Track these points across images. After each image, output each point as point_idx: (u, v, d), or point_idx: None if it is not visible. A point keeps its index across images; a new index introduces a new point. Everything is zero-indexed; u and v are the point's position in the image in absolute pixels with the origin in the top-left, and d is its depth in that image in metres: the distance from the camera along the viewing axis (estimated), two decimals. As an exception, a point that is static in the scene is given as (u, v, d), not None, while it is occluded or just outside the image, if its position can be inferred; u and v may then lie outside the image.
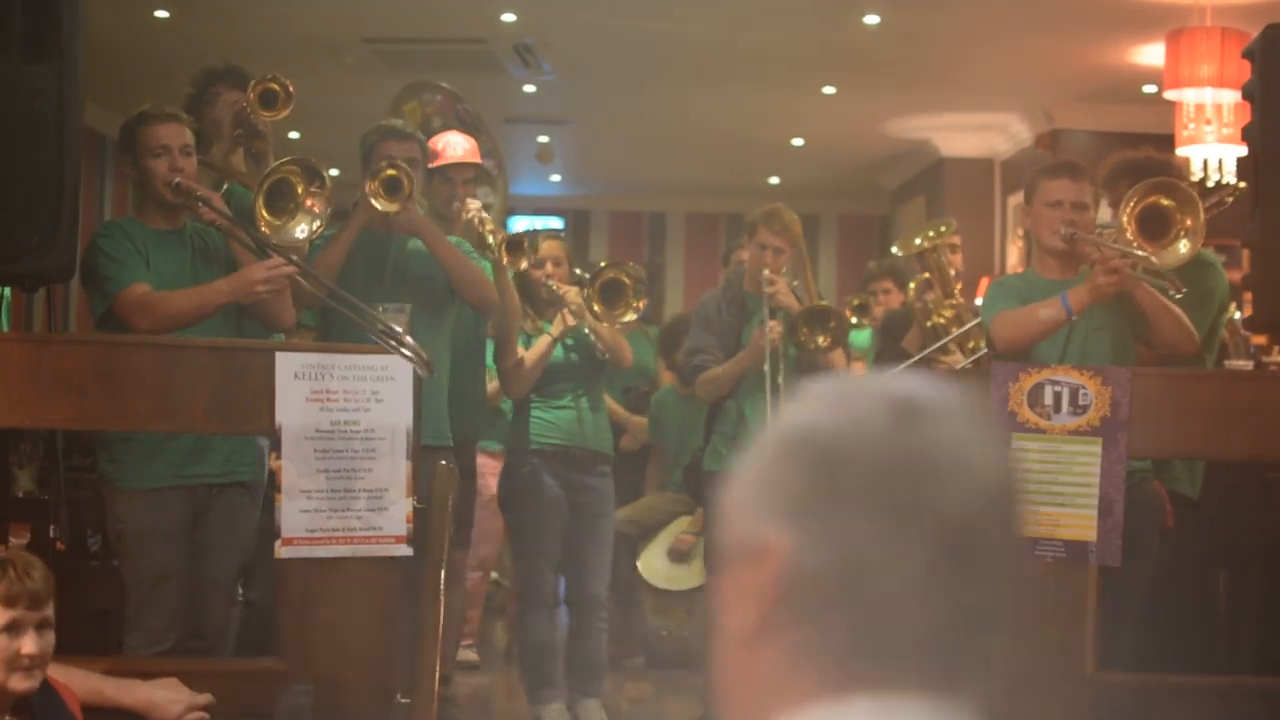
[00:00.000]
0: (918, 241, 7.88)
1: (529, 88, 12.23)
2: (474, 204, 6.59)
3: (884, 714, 1.35)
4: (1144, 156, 5.92)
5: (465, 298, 6.10)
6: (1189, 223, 5.31)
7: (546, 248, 7.09)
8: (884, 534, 1.35)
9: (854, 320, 9.31)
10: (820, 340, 7.09)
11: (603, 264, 6.97)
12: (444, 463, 5.67)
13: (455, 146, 6.53)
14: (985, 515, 1.38)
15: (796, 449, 1.40)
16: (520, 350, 6.94)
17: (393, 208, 5.80)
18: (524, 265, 6.65)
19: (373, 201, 5.82)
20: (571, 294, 6.82)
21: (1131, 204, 5.34)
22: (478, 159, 6.70)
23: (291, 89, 5.90)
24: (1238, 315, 6.24)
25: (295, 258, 5.23)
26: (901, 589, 1.36)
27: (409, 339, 4.90)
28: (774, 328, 6.97)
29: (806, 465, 1.39)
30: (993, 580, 1.40)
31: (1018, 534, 1.41)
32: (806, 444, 1.40)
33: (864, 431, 1.38)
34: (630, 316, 6.78)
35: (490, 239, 6.57)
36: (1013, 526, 1.40)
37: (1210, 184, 8.65)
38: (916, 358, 6.97)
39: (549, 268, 7.02)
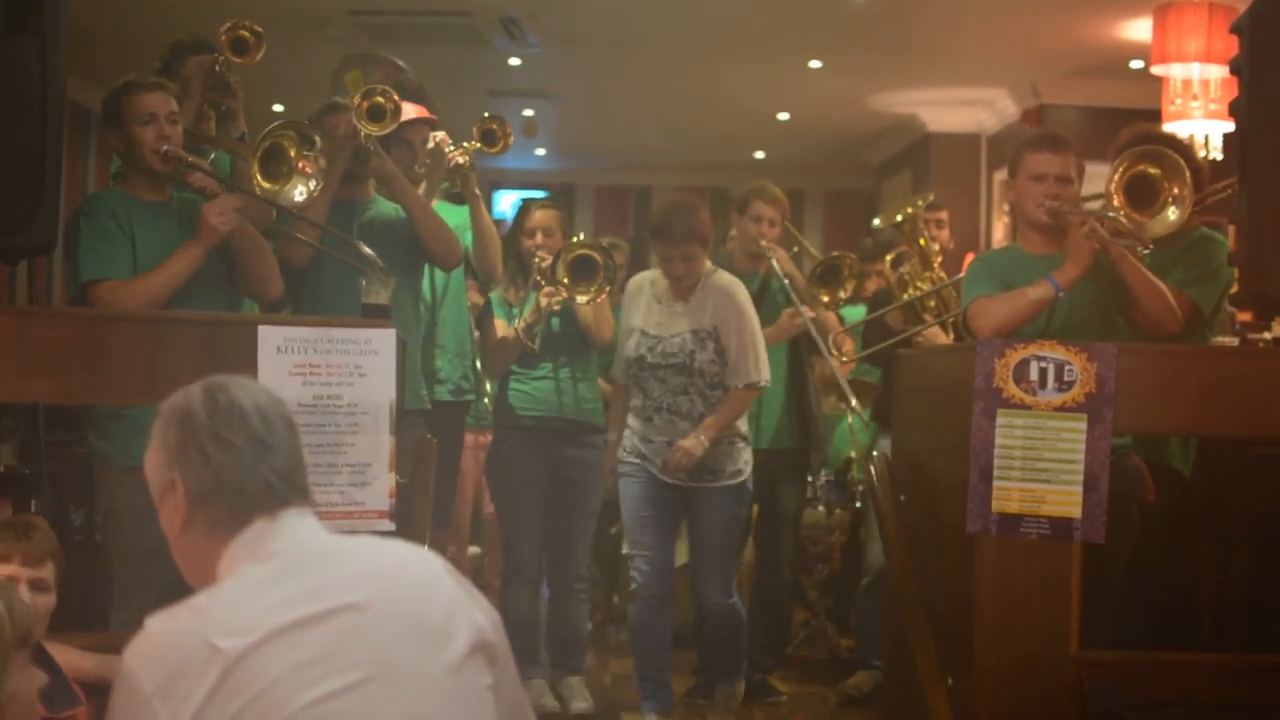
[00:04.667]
0: (899, 218, 7.87)
1: (514, 61, 12.20)
2: (437, 134, 6.59)
3: (288, 516, 2.55)
4: (1160, 131, 5.91)
5: (431, 248, 6.14)
6: (1177, 191, 5.31)
7: (537, 217, 7.01)
8: (228, 448, 2.54)
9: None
10: (841, 295, 7.21)
11: (575, 239, 6.89)
12: (429, 436, 5.67)
13: (405, 110, 6.52)
14: (267, 421, 2.58)
15: (170, 421, 2.57)
16: (502, 324, 6.91)
17: (378, 129, 5.96)
18: (507, 144, 6.83)
19: (359, 125, 5.94)
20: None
21: (1119, 173, 5.34)
22: (429, 114, 6.70)
23: (261, 32, 5.90)
24: (1227, 291, 6.22)
25: (246, 188, 5.34)
26: (251, 463, 2.55)
27: (372, 254, 5.19)
28: (805, 311, 7.01)
29: (173, 432, 2.56)
30: (289, 447, 2.61)
31: (280, 419, 2.62)
32: (170, 422, 2.57)
33: (193, 403, 2.57)
34: (584, 299, 6.68)
35: (462, 159, 6.62)
36: (275, 419, 2.60)
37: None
38: (901, 337, 6.94)
39: (539, 238, 6.93)
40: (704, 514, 6.43)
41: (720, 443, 6.34)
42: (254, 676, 2.33)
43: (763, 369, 6.44)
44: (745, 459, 6.47)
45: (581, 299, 6.65)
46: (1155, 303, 5.14)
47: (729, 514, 6.45)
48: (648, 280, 6.59)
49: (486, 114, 6.86)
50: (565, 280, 6.60)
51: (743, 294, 6.50)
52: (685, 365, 6.36)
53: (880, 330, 7.39)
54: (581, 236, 7.09)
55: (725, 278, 6.51)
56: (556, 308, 6.69)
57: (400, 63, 7.14)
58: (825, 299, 7.19)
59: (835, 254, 7.40)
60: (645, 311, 6.50)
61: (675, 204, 6.51)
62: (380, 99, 5.96)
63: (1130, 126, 5.94)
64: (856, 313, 8.33)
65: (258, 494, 2.56)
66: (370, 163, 6.02)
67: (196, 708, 2.31)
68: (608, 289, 6.71)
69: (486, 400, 7.54)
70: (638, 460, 6.46)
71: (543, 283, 6.70)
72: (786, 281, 7.12)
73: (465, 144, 6.72)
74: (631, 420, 6.50)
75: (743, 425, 6.49)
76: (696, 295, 6.42)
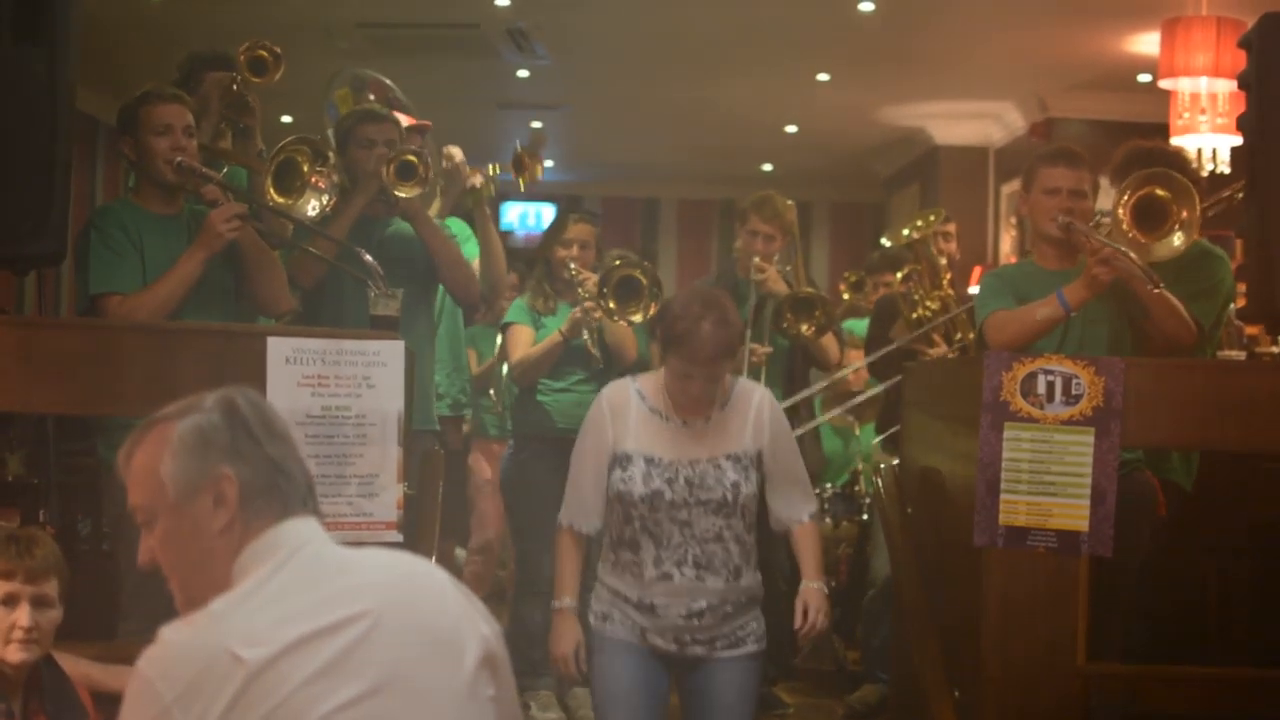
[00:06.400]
0: (906, 232, 7.89)
1: (523, 73, 12.21)
2: (456, 152, 6.59)
3: (298, 524, 2.52)
4: (1157, 146, 5.91)
5: (449, 283, 6.15)
6: (1185, 215, 5.28)
7: (576, 230, 7.08)
8: (267, 446, 2.52)
9: (846, 296, 9.30)
10: (803, 328, 7.08)
11: (618, 260, 6.88)
12: (436, 448, 5.68)
13: (400, 119, 6.53)
14: (286, 439, 2.58)
15: (208, 422, 2.52)
16: (528, 330, 6.93)
17: (413, 192, 5.91)
18: (533, 176, 6.76)
19: (395, 191, 5.90)
20: (591, 282, 6.76)
21: (1127, 195, 5.33)
22: (425, 122, 6.72)
23: (280, 53, 5.92)
24: (1231, 306, 6.23)
25: (260, 202, 5.41)
26: (285, 465, 2.54)
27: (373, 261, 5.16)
28: (755, 350, 6.95)
29: (223, 428, 2.52)
30: (295, 453, 2.59)
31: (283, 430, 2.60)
32: (220, 413, 2.53)
33: (232, 406, 2.55)
34: (639, 318, 6.67)
35: (478, 182, 6.63)
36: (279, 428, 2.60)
37: (1204, 173, 8.65)
38: (894, 345, 6.96)
39: (575, 250, 6.98)
40: (723, 688, 4.80)
41: (741, 601, 4.80)
42: (273, 687, 2.31)
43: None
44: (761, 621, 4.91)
45: (636, 319, 6.66)
46: (1168, 317, 5.12)
47: (752, 688, 4.87)
48: (632, 389, 4.87)
49: (520, 146, 6.85)
50: (613, 304, 6.62)
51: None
52: (726, 503, 4.71)
53: (883, 345, 7.41)
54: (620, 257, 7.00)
55: (758, 387, 4.99)
56: (580, 317, 6.70)
57: (388, 81, 7.16)
58: (785, 323, 7.10)
59: (815, 293, 7.30)
60: (638, 430, 4.81)
61: (702, 305, 4.64)
62: (411, 158, 5.91)
63: (1125, 143, 5.94)
64: (861, 325, 8.33)
65: (302, 487, 2.57)
66: (399, 204, 5.99)
67: (216, 718, 2.29)
68: (655, 306, 6.69)
69: (482, 412, 7.55)
70: (633, 638, 4.78)
71: (585, 297, 6.70)
72: (768, 299, 7.11)
73: (492, 165, 6.73)
74: (620, 583, 4.83)
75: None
76: (724, 410, 4.81)
